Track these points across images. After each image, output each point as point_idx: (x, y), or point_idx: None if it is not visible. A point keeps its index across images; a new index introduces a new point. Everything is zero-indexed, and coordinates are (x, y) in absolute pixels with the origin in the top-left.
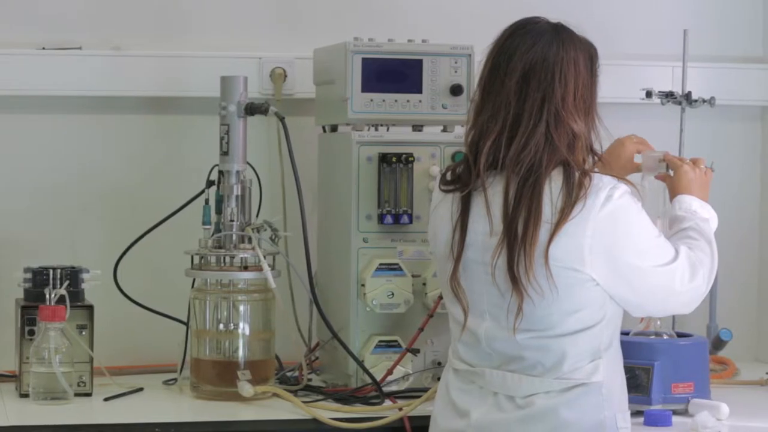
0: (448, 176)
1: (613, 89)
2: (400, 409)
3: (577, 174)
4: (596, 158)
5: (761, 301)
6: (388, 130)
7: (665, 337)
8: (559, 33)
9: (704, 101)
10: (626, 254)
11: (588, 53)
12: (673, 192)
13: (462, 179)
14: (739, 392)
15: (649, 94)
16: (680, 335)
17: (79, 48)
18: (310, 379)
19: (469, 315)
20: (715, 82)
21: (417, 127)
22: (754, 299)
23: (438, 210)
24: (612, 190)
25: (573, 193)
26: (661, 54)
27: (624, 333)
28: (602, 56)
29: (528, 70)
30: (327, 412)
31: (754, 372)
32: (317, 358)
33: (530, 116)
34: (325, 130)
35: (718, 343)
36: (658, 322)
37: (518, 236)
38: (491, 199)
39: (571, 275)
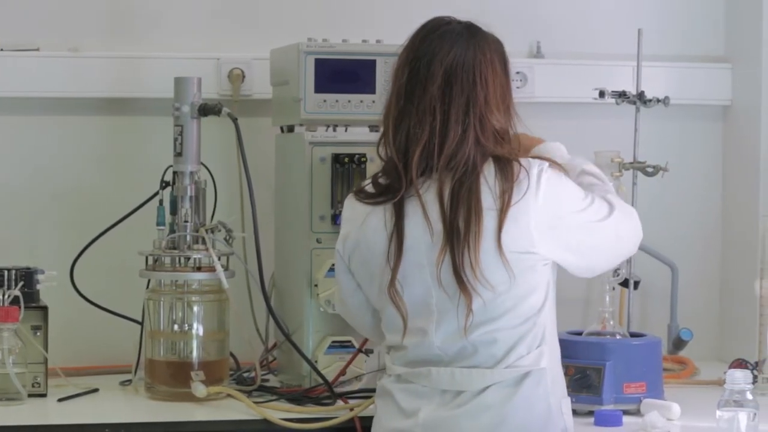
0: (369, 189)
1: (577, 89)
2: (352, 410)
3: (505, 163)
4: None
5: (723, 301)
6: (346, 130)
7: (618, 337)
8: (474, 35)
9: (658, 101)
10: (569, 218)
11: (501, 53)
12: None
13: (392, 188)
14: (696, 392)
15: (602, 94)
16: (633, 335)
17: (37, 49)
18: (266, 380)
19: (416, 317)
20: (677, 81)
21: (374, 128)
22: (716, 299)
23: (368, 223)
24: (540, 168)
25: (509, 178)
26: (626, 54)
27: (576, 333)
28: (566, 55)
29: (449, 74)
30: (279, 412)
31: (715, 372)
32: (275, 359)
33: (457, 120)
34: (282, 131)
35: (678, 343)
36: (612, 322)
37: (460, 235)
38: (427, 205)
39: (524, 259)
